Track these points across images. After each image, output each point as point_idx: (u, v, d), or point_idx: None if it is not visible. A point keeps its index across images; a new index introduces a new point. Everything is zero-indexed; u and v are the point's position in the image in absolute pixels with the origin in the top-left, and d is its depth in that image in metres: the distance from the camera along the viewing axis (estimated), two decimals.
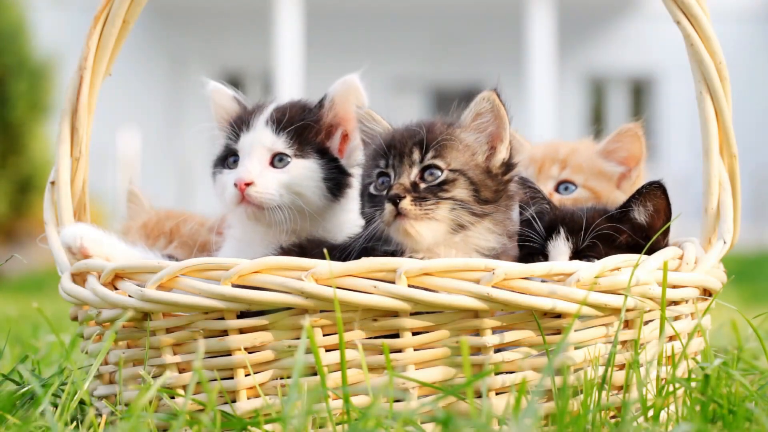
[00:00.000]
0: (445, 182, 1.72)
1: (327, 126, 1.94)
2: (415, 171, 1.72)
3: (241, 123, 1.93)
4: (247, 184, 1.84)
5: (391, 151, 1.74)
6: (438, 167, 1.72)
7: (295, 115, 1.91)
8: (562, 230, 1.79)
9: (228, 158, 1.93)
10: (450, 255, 1.73)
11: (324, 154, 1.91)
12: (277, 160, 1.88)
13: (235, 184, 1.84)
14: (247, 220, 1.89)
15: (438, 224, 1.70)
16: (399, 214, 1.67)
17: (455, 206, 1.71)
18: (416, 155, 1.73)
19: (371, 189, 1.76)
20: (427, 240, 1.70)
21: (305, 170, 1.87)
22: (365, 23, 16.63)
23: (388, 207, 1.68)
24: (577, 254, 1.79)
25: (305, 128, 1.90)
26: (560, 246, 1.79)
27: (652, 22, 16.19)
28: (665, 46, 15.34)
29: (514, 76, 15.89)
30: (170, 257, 2.03)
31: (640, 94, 17.55)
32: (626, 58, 17.21)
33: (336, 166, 1.91)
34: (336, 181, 1.90)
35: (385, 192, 1.71)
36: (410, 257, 1.71)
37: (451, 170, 1.72)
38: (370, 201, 1.75)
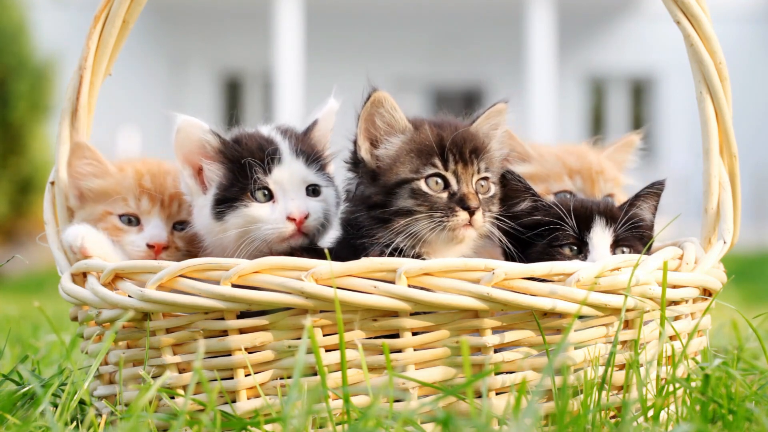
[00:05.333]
0: (493, 196, 1.82)
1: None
2: (474, 180, 1.78)
3: (265, 156, 1.89)
4: (305, 217, 1.85)
5: (450, 155, 1.77)
6: (489, 179, 1.82)
7: (312, 144, 1.96)
8: (599, 220, 1.82)
9: (253, 192, 1.88)
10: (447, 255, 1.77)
11: (331, 178, 1.98)
12: (311, 191, 1.91)
13: (292, 219, 1.84)
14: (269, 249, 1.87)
15: (480, 236, 1.78)
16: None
17: (493, 220, 1.80)
18: (476, 165, 1.79)
19: (422, 186, 1.75)
20: (466, 249, 1.78)
21: (332, 197, 1.93)
22: (365, 23, 16.63)
23: (462, 215, 1.73)
24: (615, 243, 1.82)
25: (322, 158, 1.95)
26: (602, 234, 1.82)
27: (652, 22, 16.19)
28: (665, 46, 15.34)
29: (514, 76, 15.89)
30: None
31: (640, 94, 17.55)
32: (626, 58, 17.21)
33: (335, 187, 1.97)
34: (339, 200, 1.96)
35: (446, 195, 1.75)
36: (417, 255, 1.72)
37: (493, 183, 1.82)
38: (415, 196, 1.74)
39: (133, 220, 1.92)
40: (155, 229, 1.91)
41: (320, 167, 1.93)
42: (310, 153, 1.93)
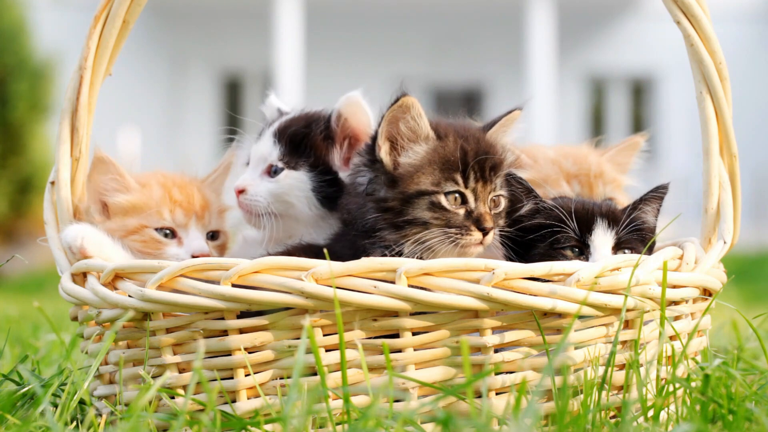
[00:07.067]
0: (502, 210, 1.83)
1: (339, 139, 1.97)
2: (489, 197, 1.80)
3: (260, 131, 2.04)
4: (240, 191, 1.95)
5: (472, 172, 1.77)
6: (503, 196, 1.83)
7: (297, 127, 1.97)
8: (600, 222, 1.82)
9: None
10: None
11: (317, 167, 1.94)
12: (273, 170, 1.95)
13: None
14: (246, 223, 1.99)
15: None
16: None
17: (499, 230, 1.81)
18: (493, 183, 1.80)
19: (442, 200, 1.74)
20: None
21: (294, 181, 1.93)
22: (365, 23, 16.63)
23: (476, 235, 1.75)
24: (616, 245, 1.82)
25: (302, 140, 1.96)
26: (604, 236, 1.81)
27: (652, 22, 16.18)
28: (665, 46, 15.34)
29: (514, 76, 15.89)
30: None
31: (640, 94, 17.54)
32: (626, 58, 17.20)
33: (331, 180, 1.93)
34: (329, 193, 1.92)
35: (463, 212, 1.75)
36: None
37: (503, 197, 1.83)
38: (433, 209, 1.75)
39: (169, 233, 1.93)
40: (196, 240, 1.95)
41: (294, 150, 1.95)
42: (284, 132, 1.96)
